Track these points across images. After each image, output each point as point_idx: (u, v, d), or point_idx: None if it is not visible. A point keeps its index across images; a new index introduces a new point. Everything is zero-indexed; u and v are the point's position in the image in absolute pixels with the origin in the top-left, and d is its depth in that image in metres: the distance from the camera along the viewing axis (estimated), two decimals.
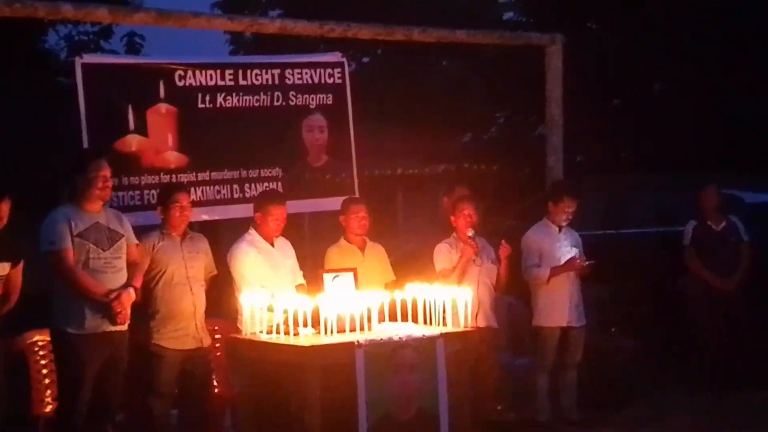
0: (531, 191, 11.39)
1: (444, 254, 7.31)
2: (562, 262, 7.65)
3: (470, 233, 7.24)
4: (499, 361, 7.56)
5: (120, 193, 6.88)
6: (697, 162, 12.77)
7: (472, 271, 7.25)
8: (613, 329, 8.79)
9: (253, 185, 7.52)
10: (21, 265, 5.96)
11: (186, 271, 6.40)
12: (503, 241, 7.36)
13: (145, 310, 6.31)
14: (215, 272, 6.66)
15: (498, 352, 7.54)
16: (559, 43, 8.98)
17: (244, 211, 7.26)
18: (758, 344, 8.65)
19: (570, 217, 7.79)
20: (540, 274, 7.65)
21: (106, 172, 5.95)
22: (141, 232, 6.39)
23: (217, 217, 7.45)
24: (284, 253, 6.86)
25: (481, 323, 7.22)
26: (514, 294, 8.20)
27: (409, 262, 8.11)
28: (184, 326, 6.37)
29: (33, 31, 13.24)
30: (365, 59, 19.13)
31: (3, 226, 5.84)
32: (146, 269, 6.30)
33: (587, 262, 7.71)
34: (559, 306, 7.69)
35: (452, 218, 7.38)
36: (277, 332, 6.13)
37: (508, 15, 17.99)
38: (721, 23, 15.25)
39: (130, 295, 5.92)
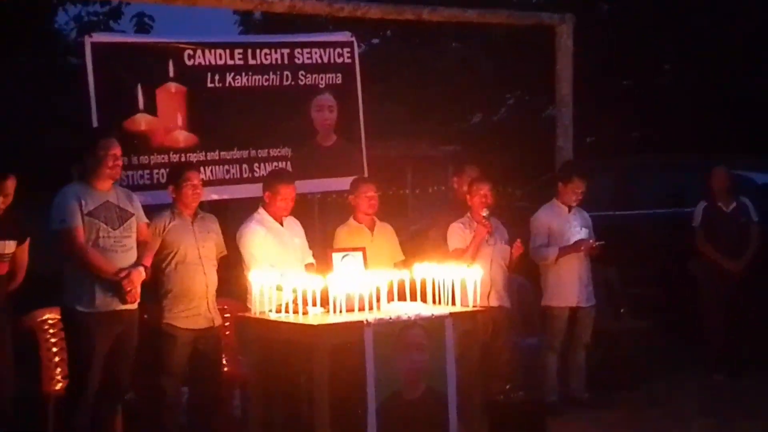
0: (540, 172, 11.39)
1: (458, 234, 7.30)
2: (572, 242, 7.65)
3: (485, 213, 7.24)
4: (510, 341, 7.57)
5: (129, 173, 6.89)
6: (708, 143, 12.71)
7: (486, 250, 7.26)
8: (622, 310, 8.77)
9: (262, 165, 7.52)
10: (27, 243, 5.97)
11: (198, 250, 6.40)
12: (518, 241, 7.37)
13: (157, 289, 6.32)
14: (225, 252, 6.65)
15: (511, 331, 7.53)
16: (569, 22, 8.95)
17: (253, 190, 7.27)
18: (767, 326, 8.65)
19: (580, 198, 7.79)
20: (548, 254, 7.65)
21: (117, 150, 5.95)
22: (151, 211, 6.39)
23: (226, 197, 7.45)
24: (293, 232, 6.86)
25: (494, 303, 7.24)
26: (523, 274, 8.20)
27: (417, 241, 8.13)
28: (196, 305, 6.37)
29: (42, 10, 13.21)
30: (375, 41, 19.07)
31: (8, 204, 5.85)
32: (158, 249, 6.30)
33: (597, 243, 7.70)
34: (568, 286, 7.70)
35: (468, 197, 7.37)
36: (286, 311, 6.13)
37: None
38: (733, 4, 15.16)
39: (141, 274, 5.92)
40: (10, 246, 5.87)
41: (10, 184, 5.84)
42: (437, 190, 14.50)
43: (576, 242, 7.64)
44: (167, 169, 6.94)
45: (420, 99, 16.96)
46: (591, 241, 7.69)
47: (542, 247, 7.69)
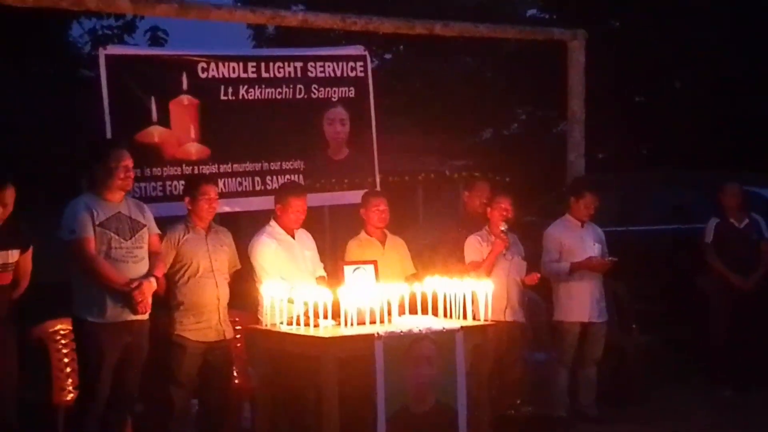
0: (551, 187, 11.39)
1: (474, 247, 7.32)
2: (585, 255, 7.64)
3: (503, 227, 7.25)
4: (524, 357, 7.57)
5: (142, 184, 6.94)
6: (718, 160, 12.72)
7: (502, 265, 7.27)
8: (633, 326, 8.76)
9: (274, 177, 7.56)
10: (30, 251, 5.97)
11: (211, 264, 6.41)
12: (535, 274, 7.38)
13: (169, 301, 6.34)
14: (239, 266, 6.66)
15: (523, 347, 7.53)
16: (581, 38, 8.99)
17: (265, 203, 7.29)
18: None
19: (592, 213, 7.79)
20: (560, 269, 7.65)
21: (128, 162, 5.97)
22: (163, 223, 6.41)
23: (238, 209, 7.49)
24: (304, 245, 6.88)
25: (509, 318, 7.26)
26: (533, 289, 8.19)
27: (427, 255, 8.13)
28: (207, 318, 6.38)
29: (56, 23, 13.29)
30: (387, 56, 19.15)
31: (9, 213, 5.85)
32: (171, 262, 6.32)
33: (609, 259, 7.70)
34: (580, 301, 7.69)
35: (488, 210, 7.37)
36: (297, 323, 6.14)
37: (531, 12, 17.96)
38: (742, 22, 15.18)
39: (152, 285, 5.94)
40: (13, 255, 5.87)
41: (9, 194, 5.83)
42: (448, 206, 14.49)
43: (588, 258, 7.64)
44: (180, 181, 6.99)
45: (431, 114, 17.00)
46: (604, 257, 7.69)
47: (554, 262, 7.69)
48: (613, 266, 7.77)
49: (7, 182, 5.84)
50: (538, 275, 7.43)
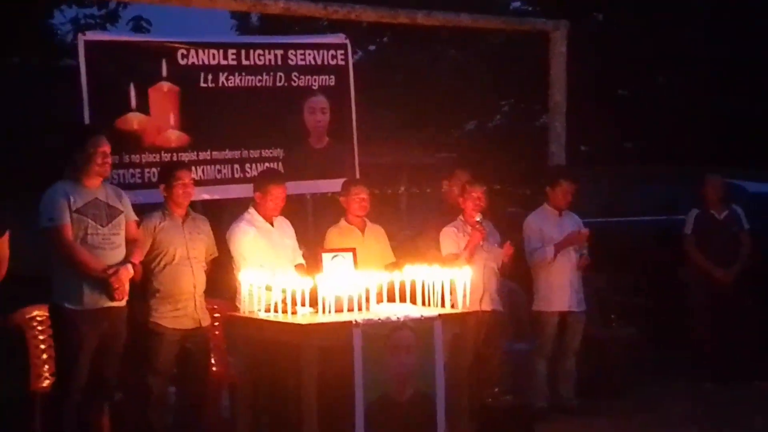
0: (534, 179, 11.39)
1: (451, 238, 7.28)
2: None
3: (478, 218, 7.22)
4: (503, 346, 7.55)
5: (121, 171, 6.88)
6: (700, 154, 12.75)
7: (479, 254, 7.24)
8: (612, 316, 8.77)
9: (254, 165, 7.51)
10: (7, 236, 5.91)
11: (187, 251, 6.38)
12: (508, 243, 7.33)
13: (145, 289, 6.31)
14: (216, 254, 6.63)
15: (502, 336, 7.52)
16: (563, 29, 8.97)
17: (244, 191, 7.26)
18: (756, 335, 8.64)
19: (569, 200, 7.79)
20: (545, 254, 7.63)
21: (106, 148, 5.94)
22: (141, 210, 6.39)
23: (217, 197, 7.44)
24: (283, 232, 6.85)
25: (486, 307, 7.21)
26: (514, 279, 8.19)
27: (408, 246, 8.10)
28: (183, 306, 6.35)
29: (37, 11, 13.21)
30: (371, 47, 19.10)
31: None
32: (148, 249, 6.29)
33: (584, 230, 7.66)
34: (559, 291, 7.70)
35: (460, 200, 7.34)
36: (275, 311, 6.12)
37: (515, 4, 17.96)
38: (726, 17, 15.21)
39: (129, 271, 5.91)
40: None
41: None
42: (431, 198, 14.49)
43: (567, 235, 7.61)
44: (159, 168, 6.93)
45: (414, 106, 16.97)
46: (580, 231, 7.67)
47: (537, 249, 7.68)
48: (591, 259, 7.74)
49: None
50: (510, 246, 7.33)
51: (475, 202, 7.25)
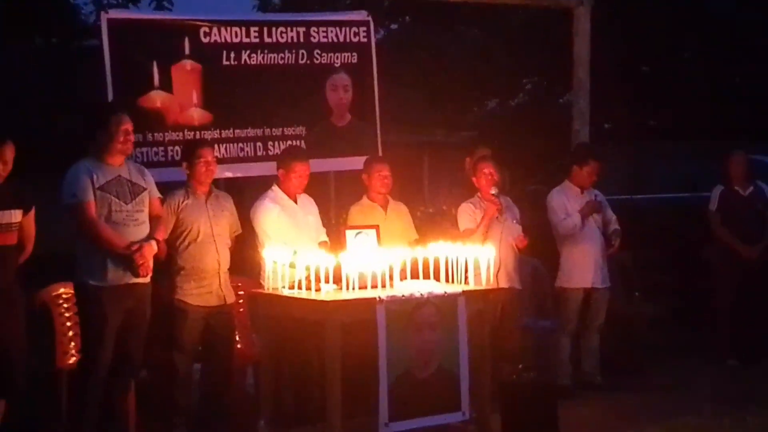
0: (557, 157, 11.34)
1: (467, 214, 7.28)
2: (586, 221, 7.64)
3: (493, 191, 7.21)
4: (521, 323, 7.53)
5: (144, 149, 6.90)
6: (724, 130, 12.65)
7: (496, 229, 7.22)
8: (636, 293, 8.74)
9: (276, 143, 7.50)
10: (33, 212, 5.94)
11: (211, 228, 6.39)
12: (521, 234, 7.30)
13: (170, 267, 6.32)
14: (240, 231, 6.64)
15: (520, 313, 7.50)
16: (587, 5, 8.90)
17: (267, 168, 7.26)
18: None
19: (593, 180, 7.76)
20: (573, 222, 7.60)
21: (128, 125, 5.95)
22: (164, 188, 6.39)
23: (239, 175, 7.45)
24: (307, 210, 6.86)
25: (503, 283, 7.18)
26: (537, 256, 8.17)
27: (430, 224, 8.11)
28: (208, 283, 6.37)
29: None
30: (393, 26, 19.04)
31: (8, 173, 5.81)
32: (172, 227, 6.30)
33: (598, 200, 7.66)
34: (583, 267, 7.67)
35: (473, 179, 7.34)
36: (299, 288, 6.13)
37: None
38: None
39: (152, 247, 5.92)
40: (16, 215, 5.80)
41: (8, 150, 5.74)
42: (453, 177, 14.46)
43: (587, 203, 7.60)
44: (182, 146, 6.95)
45: (437, 85, 16.92)
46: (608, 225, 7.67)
47: (564, 219, 7.64)
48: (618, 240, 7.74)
49: (6, 139, 5.78)
50: (525, 239, 7.33)
51: (487, 177, 7.24)
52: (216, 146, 7.03)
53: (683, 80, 15.14)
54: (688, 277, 9.43)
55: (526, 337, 7.60)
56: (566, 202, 7.71)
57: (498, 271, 7.03)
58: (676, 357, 8.58)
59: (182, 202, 6.38)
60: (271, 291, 6.29)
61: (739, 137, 10.94)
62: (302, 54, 7.67)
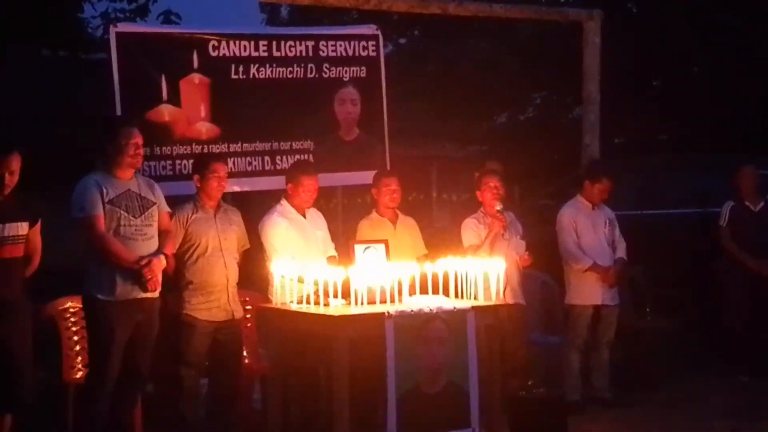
0: (567, 171, 11.31)
1: (471, 229, 7.24)
2: (596, 237, 7.61)
3: (498, 207, 7.16)
4: (527, 339, 7.49)
5: (152, 163, 6.89)
6: (735, 144, 12.60)
7: (500, 245, 7.18)
8: (647, 308, 8.69)
9: (284, 157, 7.50)
10: (38, 225, 5.93)
11: (220, 243, 6.38)
12: (526, 254, 7.25)
13: (178, 281, 6.31)
14: (248, 246, 6.63)
15: (525, 329, 7.45)
16: (597, 18, 8.88)
17: (275, 183, 7.26)
18: None
19: (605, 198, 7.75)
20: (580, 263, 7.58)
21: (138, 139, 5.94)
22: (172, 201, 6.38)
23: (247, 189, 7.43)
24: (316, 224, 6.84)
25: (509, 299, 7.14)
26: (546, 271, 8.13)
27: (439, 239, 8.07)
28: (216, 298, 6.35)
29: (67, 4, 13.26)
30: (402, 40, 19.04)
31: (15, 184, 5.80)
32: (180, 241, 6.29)
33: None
34: (592, 284, 7.64)
35: (477, 193, 7.30)
36: (307, 302, 6.10)
37: None
38: (763, 5, 15.01)
39: (161, 262, 5.91)
40: (23, 227, 5.81)
41: (15, 161, 5.75)
42: (462, 191, 14.46)
43: (606, 270, 7.58)
44: (190, 161, 6.95)
45: (446, 98, 16.91)
46: (614, 240, 7.66)
47: (575, 247, 7.60)
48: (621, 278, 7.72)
49: (12, 149, 5.77)
50: (529, 259, 7.29)
51: (493, 192, 7.20)
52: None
53: (694, 94, 15.09)
54: (699, 292, 9.37)
55: (535, 353, 7.55)
56: (576, 220, 7.67)
57: (505, 288, 7.00)
58: (688, 372, 8.53)
59: (191, 216, 6.37)
60: (279, 305, 6.26)
61: (749, 152, 10.86)
62: (311, 68, 7.66)
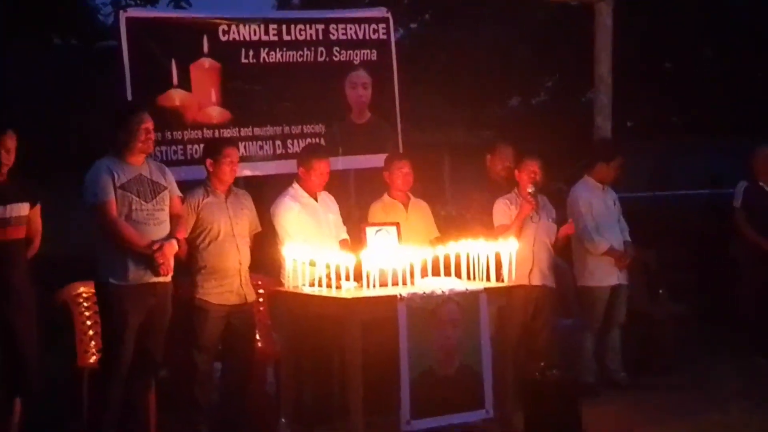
0: (579, 155, 11.26)
1: (503, 210, 7.22)
2: (610, 217, 7.61)
3: (530, 189, 7.14)
4: (552, 322, 7.47)
5: (163, 148, 6.89)
6: (747, 126, 12.54)
7: (530, 227, 7.17)
8: (660, 291, 8.66)
9: (295, 141, 7.48)
10: (38, 207, 5.93)
11: (232, 227, 6.37)
12: (570, 221, 7.26)
13: (190, 266, 6.30)
14: (260, 229, 6.61)
15: (551, 312, 7.43)
16: (609, 0, 8.81)
17: (286, 167, 7.24)
18: None
19: (615, 176, 7.71)
20: (599, 246, 7.56)
21: (149, 124, 5.93)
22: (184, 186, 6.37)
23: (258, 173, 7.42)
24: (327, 207, 6.83)
25: (536, 281, 7.15)
26: (559, 254, 8.09)
27: (451, 223, 8.05)
28: (229, 282, 6.34)
29: None
30: (413, 25, 18.99)
31: (12, 164, 5.80)
32: (192, 226, 6.28)
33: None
34: (607, 265, 7.62)
35: (516, 173, 7.27)
36: (320, 285, 6.09)
37: None
38: None
39: (173, 246, 5.90)
40: (24, 208, 5.80)
41: (10, 139, 5.72)
42: (475, 176, 14.40)
43: (622, 253, 7.59)
44: (201, 145, 6.93)
45: (457, 84, 16.87)
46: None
47: (593, 231, 7.58)
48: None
49: (6, 128, 5.75)
50: (571, 225, 7.28)
51: (530, 175, 7.18)
52: None
53: (706, 76, 15.03)
54: (713, 275, 9.34)
55: (553, 336, 7.53)
56: (591, 201, 7.65)
57: (531, 270, 7.00)
58: (702, 355, 8.50)
59: (202, 201, 6.35)
60: (291, 289, 6.26)
61: (763, 133, 10.80)
62: (321, 51, 7.64)
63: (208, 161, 6.42)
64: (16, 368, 5.73)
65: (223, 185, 6.42)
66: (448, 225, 7.87)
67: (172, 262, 5.90)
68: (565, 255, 8.05)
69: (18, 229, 5.77)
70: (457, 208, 8.89)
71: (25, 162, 5.86)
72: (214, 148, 6.48)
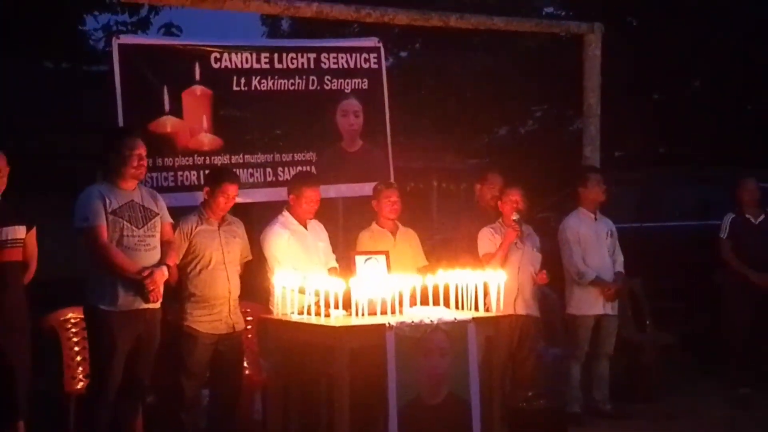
0: (567, 185, 11.32)
1: (487, 238, 7.29)
2: (599, 249, 7.65)
3: (515, 217, 7.21)
4: (537, 351, 7.50)
5: (154, 174, 6.89)
6: (735, 157, 12.63)
7: (514, 255, 7.23)
8: (647, 321, 8.70)
9: (286, 169, 7.51)
10: (34, 230, 5.94)
11: (223, 256, 6.38)
12: (544, 272, 7.30)
13: (180, 292, 6.32)
14: (250, 257, 6.64)
15: (535, 341, 7.47)
16: (598, 32, 8.89)
17: (276, 194, 7.26)
18: None
19: (602, 197, 7.75)
20: (585, 277, 7.61)
21: (141, 150, 5.95)
22: (174, 213, 6.39)
23: (249, 200, 7.42)
24: (317, 235, 6.85)
25: (520, 310, 7.20)
26: (547, 284, 8.12)
27: (439, 250, 8.08)
28: (218, 311, 6.35)
29: (70, 16, 13.34)
30: (403, 53, 19.07)
31: (5, 186, 5.80)
32: (183, 253, 6.30)
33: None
34: (594, 294, 7.65)
35: (498, 203, 7.35)
36: (308, 313, 6.11)
37: (548, 10, 17.89)
38: (759, 20, 15.07)
39: (163, 273, 5.91)
40: (20, 231, 5.82)
41: (1, 160, 5.77)
42: (463, 204, 14.46)
43: (609, 285, 7.62)
44: (192, 172, 6.97)
45: (446, 111, 16.94)
46: (614, 253, 7.71)
47: (578, 261, 7.62)
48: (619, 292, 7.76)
49: None
50: (546, 278, 7.33)
51: (513, 205, 7.24)
52: None
53: (694, 107, 15.13)
54: (699, 305, 9.38)
55: (539, 364, 7.56)
56: (579, 231, 7.70)
57: (516, 298, 7.05)
58: (688, 384, 8.54)
59: (195, 228, 6.37)
60: (280, 316, 6.27)
61: (749, 165, 10.88)
62: (312, 80, 7.68)
63: (206, 189, 6.44)
64: (6, 391, 5.72)
65: (217, 216, 6.44)
66: (435, 251, 7.91)
67: (162, 289, 5.91)
68: (553, 284, 8.09)
69: (13, 251, 5.79)
70: (442, 238, 8.91)
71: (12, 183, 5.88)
72: (215, 179, 6.49)
